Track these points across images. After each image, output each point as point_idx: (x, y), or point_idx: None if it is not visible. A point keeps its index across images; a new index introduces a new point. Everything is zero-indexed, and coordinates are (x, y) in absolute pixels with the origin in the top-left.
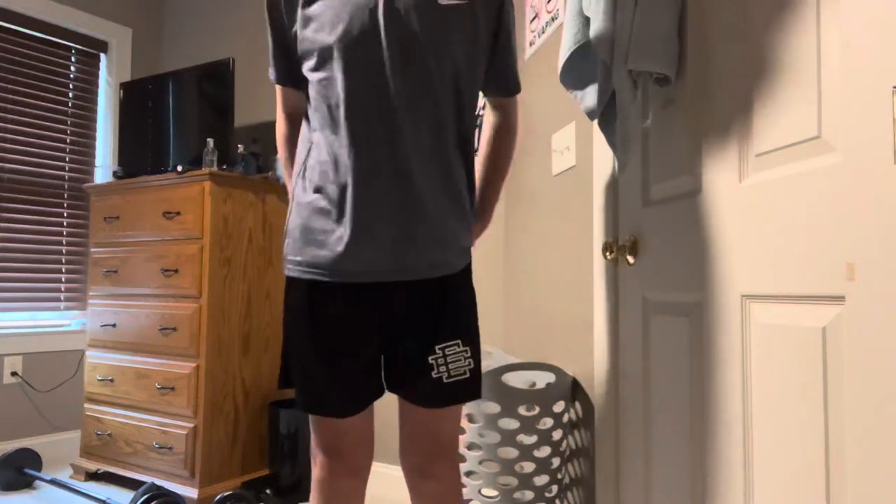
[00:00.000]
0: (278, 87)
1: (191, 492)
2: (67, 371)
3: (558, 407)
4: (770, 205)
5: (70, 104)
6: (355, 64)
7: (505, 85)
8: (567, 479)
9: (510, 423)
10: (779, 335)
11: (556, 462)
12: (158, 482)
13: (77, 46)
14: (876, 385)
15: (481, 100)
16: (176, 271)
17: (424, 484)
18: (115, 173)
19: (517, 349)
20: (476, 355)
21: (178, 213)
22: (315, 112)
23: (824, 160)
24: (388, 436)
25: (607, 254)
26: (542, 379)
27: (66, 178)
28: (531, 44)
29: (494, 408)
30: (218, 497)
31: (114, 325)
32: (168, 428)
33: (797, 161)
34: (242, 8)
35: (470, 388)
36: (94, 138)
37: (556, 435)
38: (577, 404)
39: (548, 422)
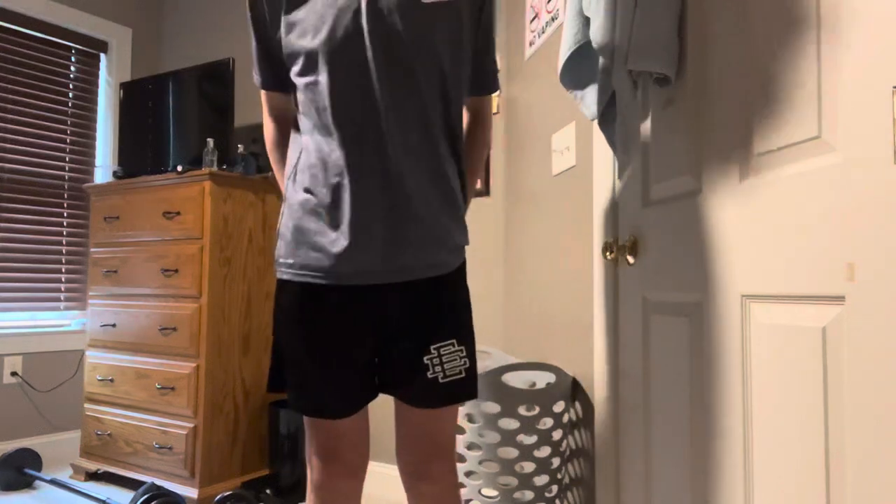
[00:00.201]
0: (263, 92)
1: (191, 492)
2: (67, 371)
3: (558, 407)
4: (770, 205)
5: (70, 104)
6: (340, 66)
7: (483, 85)
8: (567, 479)
9: (510, 423)
10: (779, 335)
11: (556, 462)
12: (158, 482)
13: (77, 46)
14: (876, 385)
15: None
16: (176, 271)
17: (421, 485)
18: (115, 173)
19: (517, 349)
20: (472, 355)
21: (178, 213)
22: (304, 116)
23: (824, 160)
24: (385, 435)
25: (607, 254)
26: (542, 379)
27: (66, 178)
28: (531, 44)
29: (494, 408)
30: (218, 497)
31: (114, 325)
32: (168, 428)
33: (797, 161)
34: (242, 8)
35: (466, 387)
36: (94, 138)
37: (556, 435)
38: (577, 404)
39: (548, 422)
